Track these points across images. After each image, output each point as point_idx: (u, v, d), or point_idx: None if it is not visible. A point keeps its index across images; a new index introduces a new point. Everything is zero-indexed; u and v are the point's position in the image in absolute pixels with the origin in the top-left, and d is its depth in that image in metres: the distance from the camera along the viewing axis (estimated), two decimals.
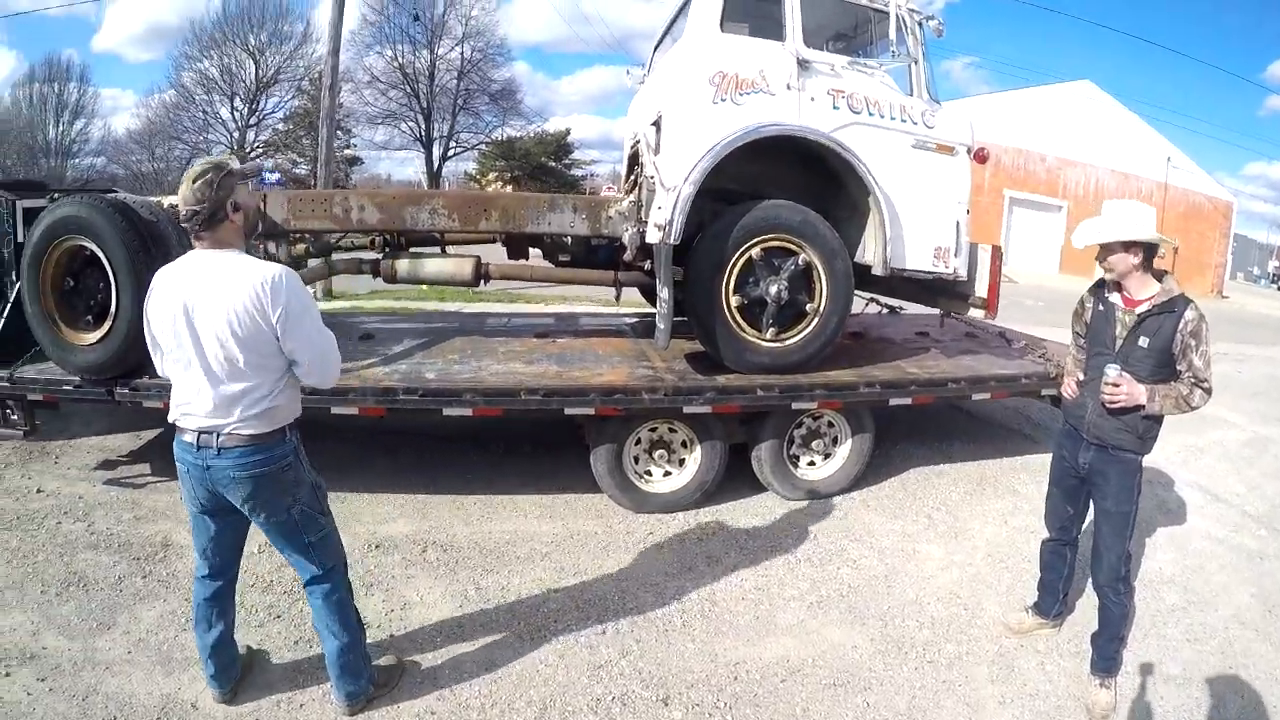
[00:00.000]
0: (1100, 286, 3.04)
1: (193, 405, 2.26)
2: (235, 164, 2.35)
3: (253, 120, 38.42)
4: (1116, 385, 2.77)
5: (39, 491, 4.46)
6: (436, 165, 41.41)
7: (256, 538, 2.86)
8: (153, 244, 4.15)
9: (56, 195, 5.02)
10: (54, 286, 4.12)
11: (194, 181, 2.21)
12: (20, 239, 4.53)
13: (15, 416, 4.36)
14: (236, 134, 37.87)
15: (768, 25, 4.38)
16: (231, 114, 38.00)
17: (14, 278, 4.52)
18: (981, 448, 5.74)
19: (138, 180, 34.56)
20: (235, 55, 37.23)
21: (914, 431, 5.72)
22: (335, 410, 3.99)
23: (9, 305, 4.49)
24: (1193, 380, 2.74)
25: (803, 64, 4.30)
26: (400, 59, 38.81)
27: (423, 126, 40.34)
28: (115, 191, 5.18)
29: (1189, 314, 2.73)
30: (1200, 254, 33.43)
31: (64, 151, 37.15)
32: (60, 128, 37.14)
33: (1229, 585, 4.07)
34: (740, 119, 4.15)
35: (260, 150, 38.46)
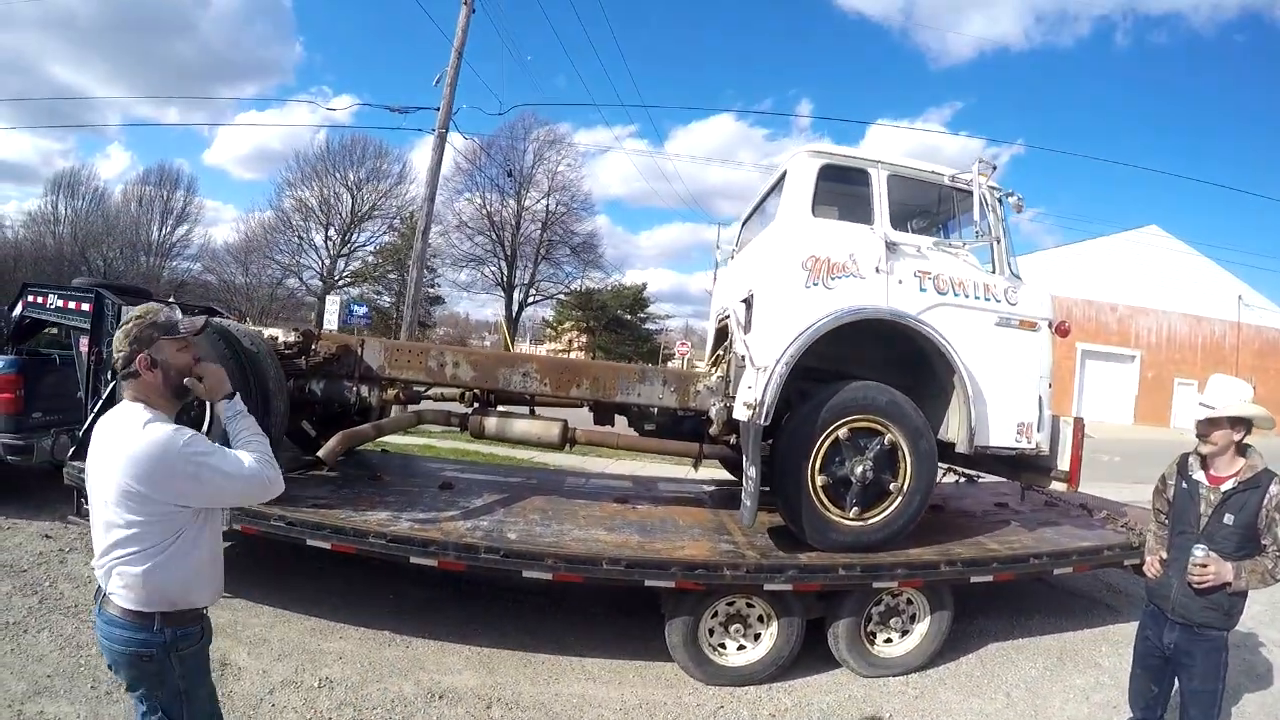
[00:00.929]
0: (1183, 464, 3.06)
1: (95, 558, 2.11)
2: (165, 316, 2.17)
3: (344, 250, 40.48)
4: (1205, 566, 2.80)
5: None
6: (516, 310, 42.64)
7: None
8: (251, 373, 4.33)
9: None
10: None
11: (119, 329, 2.12)
12: None
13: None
14: (328, 261, 39.94)
15: (857, 209, 4.53)
16: (325, 241, 40.20)
17: (109, 376, 4.69)
18: (1061, 619, 5.55)
19: (229, 291, 36.60)
20: (334, 188, 39.54)
21: (992, 603, 5.54)
22: (414, 560, 4.02)
23: (102, 401, 4.67)
24: (1277, 553, 2.78)
25: (891, 247, 4.42)
26: (489, 207, 40.76)
27: (505, 272, 41.87)
28: (218, 314, 5.42)
29: (1274, 489, 2.79)
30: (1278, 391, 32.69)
31: (164, 253, 39.41)
32: (163, 230, 39.55)
33: None
34: (832, 302, 4.25)
35: (349, 279, 40.33)
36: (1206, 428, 2.90)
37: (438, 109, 13.82)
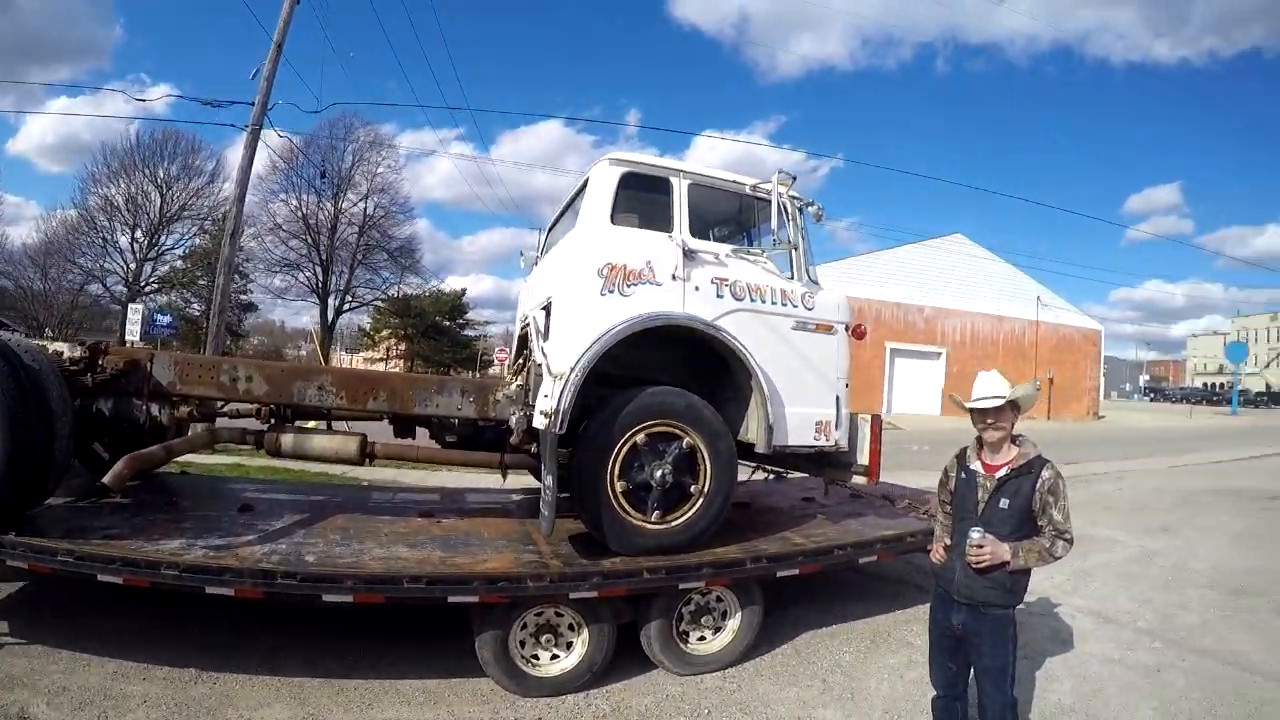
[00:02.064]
0: (962, 456, 3.29)
1: None
2: None
3: (151, 254, 37.93)
4: (981, 547, 2.99)
5: None
6: (332, 317, 41.46)
7: None
8: (32, 393, 4.00)
9: None
10: None
11: None
12: None
13: None
14: (134, 265, 37.18)
15: (658, 217, 4.63)
16: (131, 244, 37.49)
17: None
18: (873, 603, 5.86)
19: (27, 298, 33.27)
20: (142, 185, 36.91)
21: (804, 593, 5.78)
22: (210, 590, 3.81)
23: None
24: (1054, 533, 3.00)
25: (689, 254, 4.55)
26: (304, 209, 39.38)
27: (320, 277, 40.48)
28: (5, 325, 4.98)
29: (1045, 473, 3.02)
30: (1075, 381, 37.32)
31: None
32: None
33: (1130, 704, 4.26)
34: (628, 309, 4.32)
35: (156, 286, 37.85)
36: (996, 415, 3.10)
37: (253, 104, 13.16)
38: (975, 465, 3.21)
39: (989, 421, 3.13)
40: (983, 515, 3.10)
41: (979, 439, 3.23)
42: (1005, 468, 3.09)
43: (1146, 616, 5.85)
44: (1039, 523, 3.03)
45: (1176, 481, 13.98)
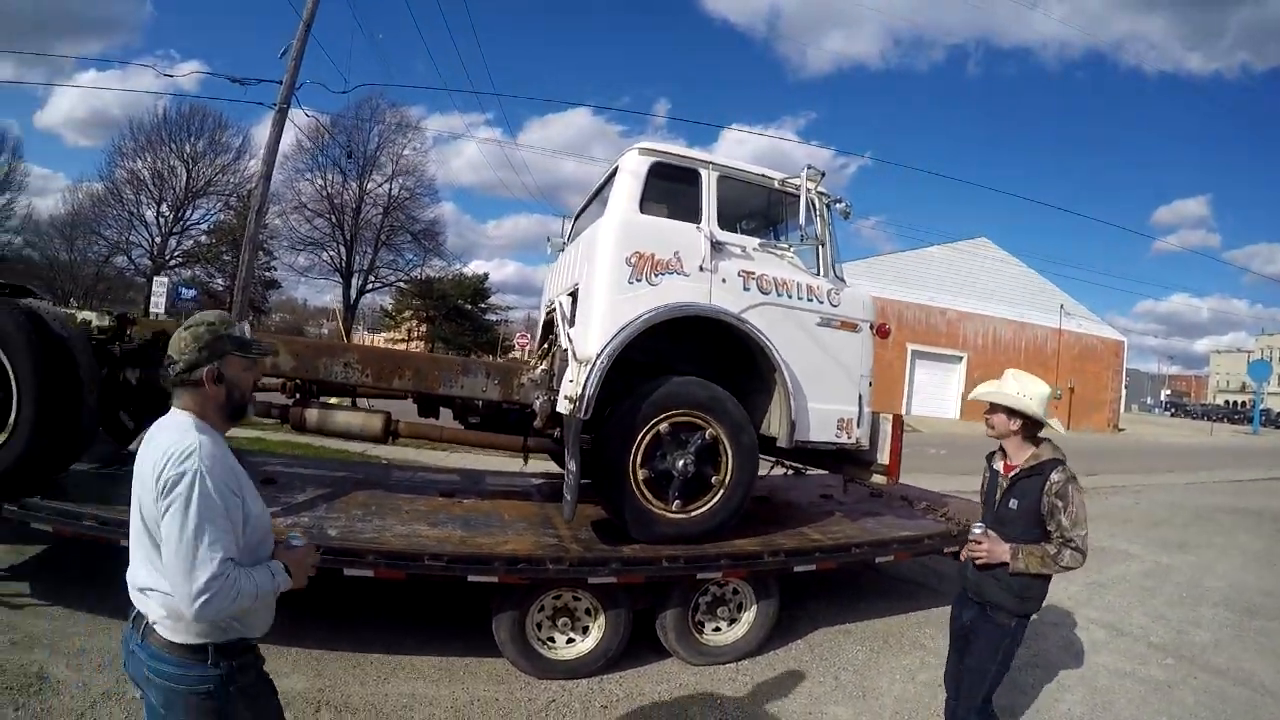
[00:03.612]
0: (992, 455, 3.28)
1: (130, 574, 1.95)
2: (239, 330, 2.04)
3: (176, 228, 38.19)
4: (978, 543, 3.00)
5: None
6: (354, 297, 41.56)
7: None
8: (61, 360, 4.07)
9: None
10: None
11: (184, 330, 1.95)
12: None
13: None
14: (159, 239, 37.49)
15: (686, 208, 4.64)
16: (156, 218, 37.71)
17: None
18: (888, 603, 5.86)
19: (52, 268, 33.68)
20: (169, 160, 37.20)
21: (820, 590, 5.80)
22: None
23: None
24: (1061, 540, 2.92)
25: (716, 246, 4.56)
26: (329, 188, 39.47)
27: (344, 257, 40.58)
28: (33, 294, 5.08)
29: (1055, 476, 2.95)
30: (1095, 392, 36.85)
31: None
32: None
33: (1139, 718, 4.25)
34: (655, 298, 4.34)
35: (180, 260, 38.09)
36: (989, 412, 3.11)
37: (280, 82, 13.26)
38: (998, 465, 3.22)
39: (986, 417, 3.16)
40: (996, 514, 3.11)
41: None
42: (1018, 468, 3.07)
43: (1159, 632, 5.81)
44: (1048, 527, 2.98)
45: (1195, 498, 13.81)
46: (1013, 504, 3.04)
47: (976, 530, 3.06)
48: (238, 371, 2.00)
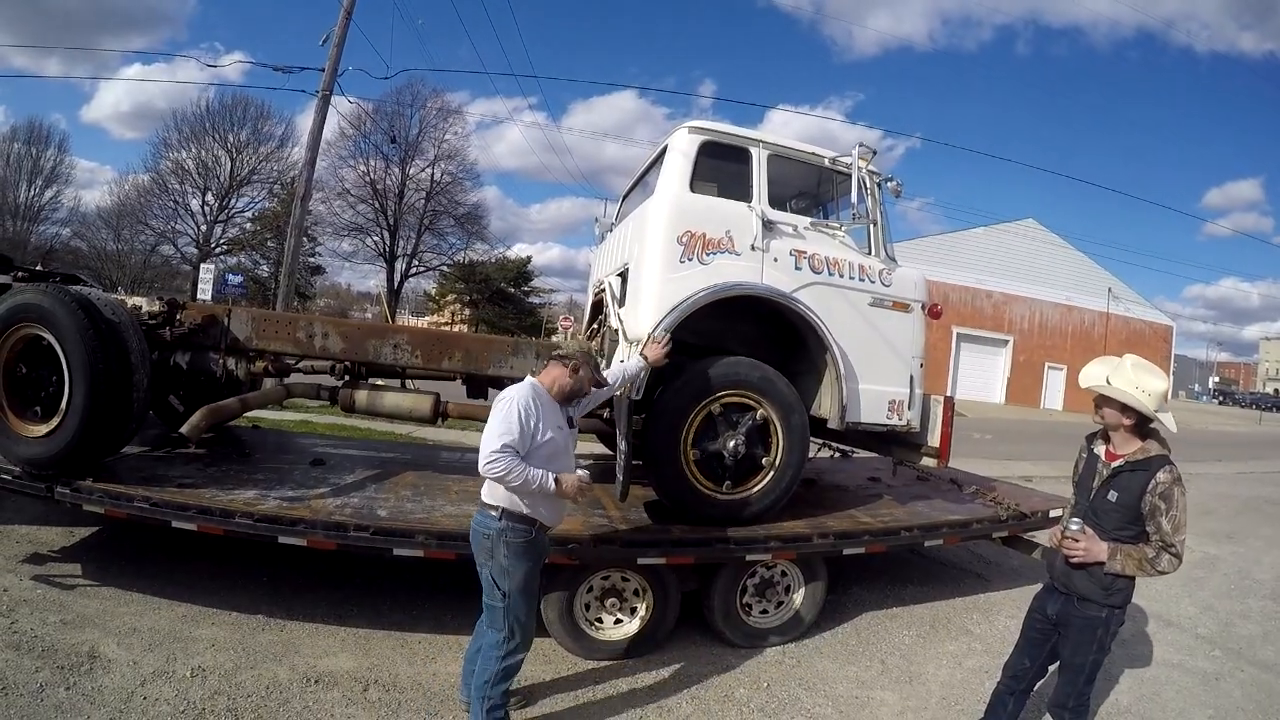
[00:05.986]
0: (1093, 436, 3.10)
1: None
2: (598, 366, 3.46)
3: (221, 216, 38.51)
4: (1076, 541, 2.85)
5: None
6: (398, 281, 41.64)
7: None
8: (112, 345, 4.11)
9: (22, 276, 4.94)
10: (5, 371, 4.05)
11: (580, 342, 2.74)
12: None
13: None
14: (204, 227, 37.91)
15: (736, 186, 4.56)
16: (202, 207, 38.06)
17: None
18: (934, 589, 5.78)
19: (100, 258, 34.31)
20: (213, 150, 37.47)
21: (866, 574, 5.73)
22: (283, 540, 3.89)
23: None
24: (1160, 544, 2.77)
25: (768, 225, 4.48)
26: (372, 174, 39.43)
27: (388, 242, 40.68)
28: (83, 282, 5.09)
29: (1162, 475, 2.77)
30: None
31: (31, 216, 36.95)
32: (32, 192, 37.03)
33: (1186, 710, 4.16)
34: (706, 278, 4.28)
35: (226, 247, 38.46)
36: (1100, 401, 2.93)
37: (322, 70, 13.32)
38: (1099, 449, 3.04)
39: (1097, 409, 2.97)
40: (1092, 502, 2.95)
41: None
42: (1123, 459, 2.90)
43: (1207, 623, 5.69)
44: (1147, 528, 2.81)
45: (1243, 488, 13.49)
46: (1112, 495, 2.87)
47: (1074, 527, 2.90)
48: (585, 382, 3.41)
